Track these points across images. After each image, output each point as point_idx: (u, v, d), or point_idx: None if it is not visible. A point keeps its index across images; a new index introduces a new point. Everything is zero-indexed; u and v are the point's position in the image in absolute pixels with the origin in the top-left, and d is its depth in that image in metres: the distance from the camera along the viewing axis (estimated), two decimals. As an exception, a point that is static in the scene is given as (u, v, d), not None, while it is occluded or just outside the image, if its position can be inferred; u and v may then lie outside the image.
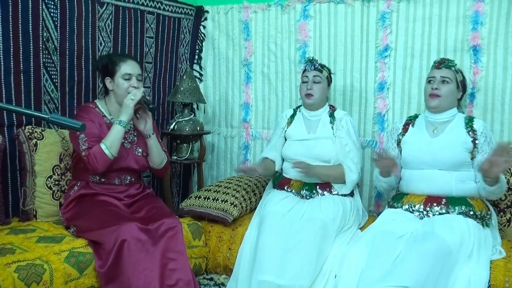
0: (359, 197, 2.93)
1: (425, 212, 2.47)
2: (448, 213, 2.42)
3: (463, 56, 2.90)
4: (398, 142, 2.70)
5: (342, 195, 2.78)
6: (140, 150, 2.69)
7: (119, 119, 2.52)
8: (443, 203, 2.45)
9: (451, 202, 2.44)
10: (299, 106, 3.04)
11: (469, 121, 2.56)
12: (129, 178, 2.67)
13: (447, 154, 2.47)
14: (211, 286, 2.77)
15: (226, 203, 2.88)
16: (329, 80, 2.94)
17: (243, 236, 2.76)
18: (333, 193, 2.78)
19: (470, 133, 2.51)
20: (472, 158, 2.51)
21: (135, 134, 2.70)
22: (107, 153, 2.45)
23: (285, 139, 2.97)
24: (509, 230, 2.63)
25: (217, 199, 2.91)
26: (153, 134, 2.70)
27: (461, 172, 2.48)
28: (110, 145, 2.47)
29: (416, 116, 2.75)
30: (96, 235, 2.33)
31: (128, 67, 2.60)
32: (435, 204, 2.46)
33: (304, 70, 2.94)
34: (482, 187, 2.41)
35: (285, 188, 2.85)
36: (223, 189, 3.00)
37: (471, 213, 2.40)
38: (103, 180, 2.59)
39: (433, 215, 2.44)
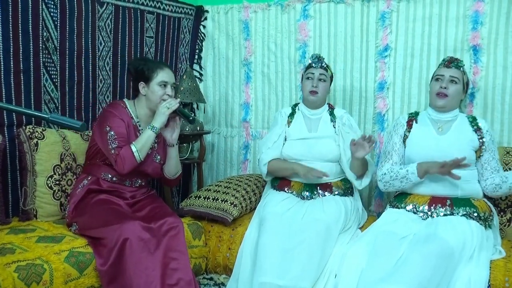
0: (359, 197, 2.93)
1: (429, 213, 2.46)
2: (453, 214, 2.41)
3: (463, 56, 2.90)
4: (404, 139, 2.67)
5: (342, 195, 2.78)
6: (159, 157, 2.70)
7: (152, 124, 2.53)
8: (447, 204, 2.44)
9: (456, 203, 2.43)
10: (296, 104, 3.04)
11: (473, 120, 2.58)
12: (139, 181, 2.68)
13: (456, 152, 2.45)
14: (211, 286, 2.77)
15: (226, 203, 2.88)
16: (332, 79, 2.97)
17: (243, 236, 2.76)
18: (334, 193, 2.78)
19: (477, 131, 2.53)
20: (478, 157, 2.53)
21: (156, 140, 2.69)
22: (136, 156, 2.47)
23: (285, 139, 2.95)
24: (509, 230, 2.64)
25: (217, 199, 2.91)
26: (176, 144, 2.71)
27: (467, 171, 2.47)
28: (140, 148, 2.49)
29: (417, 113, 2.73)
30: (98, 233, 2.33)
31: (165, 75, 2.61)
32: (439, 205, 2.45)
33: (309, 67, 2.91)
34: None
35: (285, 189, 2.84)
36: (223, 189, 3.00)
37: (475, 214, 2.39)
38: (114, 179, 2.59)
39: (437, 216, 2.43)
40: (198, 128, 3.45)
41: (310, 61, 2.94)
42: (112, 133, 2.49)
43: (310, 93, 2.87)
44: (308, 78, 2.89)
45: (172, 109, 2.55)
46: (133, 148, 2.48)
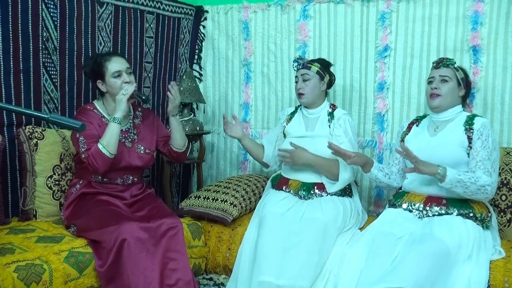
0: (358, 198, 2.92)
1: (424, 212, 2.47)
2: (448, 213, 2.41)
3: (462, 56, 2.91)
4: (402, 140, 2.70)
5: (339, 195, 2.77)
6: (142, 147, 2.68)
7: (113, 116, 2.50)
8: (443, 204, 2.44)
9: (451, 203, 2.43)
10: (300, 105, 3.05)
11: (470, 119, 2.52)
12: (131, 177, 2.67)
13: (443, 153, 2.45)
14: (210, 286, 2.77)
15: (225, 203, 2.88)
16: (321, 75, 2.88)
17: (242, 236, 2.76)
18: (331, 193, 2.78)
19: (467, 131, 2.49)
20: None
21: (135, 132, 2.69)
22: (104, 152, 2.44)
23: (285, 136, 2.98)
24: (509, 230, 2.63)
25: (217, 199, 2.91)
26: (176, 115, 2.76)
27: None
28: (107, 143, 2.45)
29: (424, 116, 2.74)
30: (96, 235, 2.33)
31: (115, 65, 2.58)
32: (434, 204, 2.45)
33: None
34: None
35: (284, 188, 2.85)
36: (222, 189, 3.00)
37: (471, 214, 2.39)
38: (105, 180, 2.59)
39: (433, 215, 2.44)
40: (198, 128, 3.45)
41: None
42: (81, 138, 2.47)
43: (298, 96, 2.91)
44: (295, 81, 2.94)
45: (128, 94, 2.51)
46: (100, 146, 2.44)
